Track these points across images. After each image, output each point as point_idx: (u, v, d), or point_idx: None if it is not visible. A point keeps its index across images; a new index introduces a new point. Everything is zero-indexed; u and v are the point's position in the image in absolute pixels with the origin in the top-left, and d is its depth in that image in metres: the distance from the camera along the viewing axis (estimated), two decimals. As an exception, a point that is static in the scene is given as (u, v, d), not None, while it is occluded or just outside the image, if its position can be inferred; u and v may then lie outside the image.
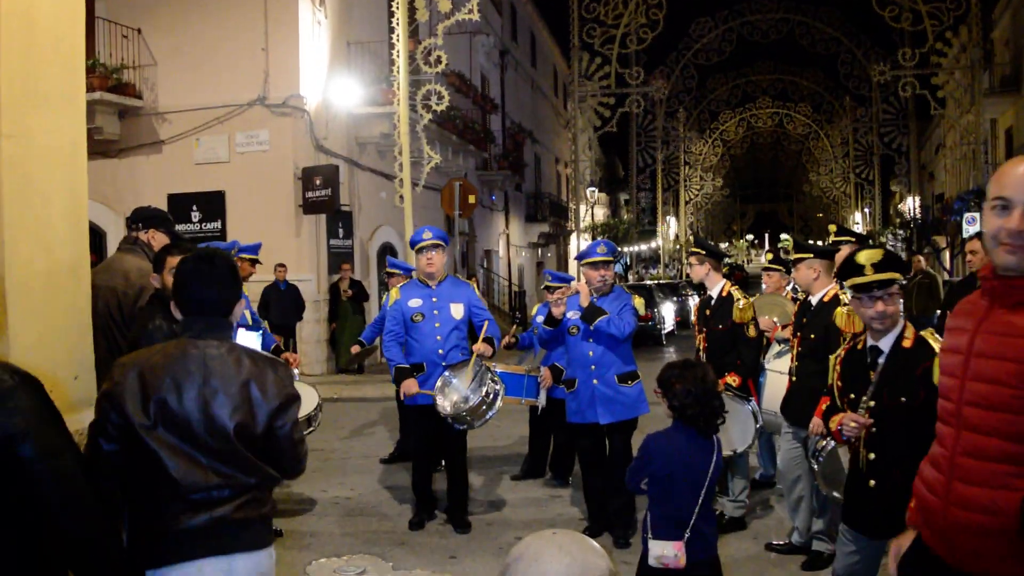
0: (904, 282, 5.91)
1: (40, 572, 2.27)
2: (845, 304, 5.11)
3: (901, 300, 3.67)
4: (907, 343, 3.53)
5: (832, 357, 3.93)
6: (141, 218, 4.68)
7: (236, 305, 2.77)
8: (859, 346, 3.71)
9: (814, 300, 5.39)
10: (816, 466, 4.67)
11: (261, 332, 4.26)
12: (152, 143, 14.68)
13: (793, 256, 5.66)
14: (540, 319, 7.67)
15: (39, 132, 3.35)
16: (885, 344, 3.57)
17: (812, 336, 5.27)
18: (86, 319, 3.57)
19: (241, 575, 2.54)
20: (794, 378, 5.41)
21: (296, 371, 6.23)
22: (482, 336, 6.03)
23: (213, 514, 2.50)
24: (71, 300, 3.48)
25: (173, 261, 3.47)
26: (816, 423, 4.91)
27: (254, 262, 7.13)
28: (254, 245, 7.25)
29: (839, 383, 3.77)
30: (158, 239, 4.56)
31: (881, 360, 3.54)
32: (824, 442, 4.60)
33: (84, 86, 3.63)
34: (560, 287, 7.16)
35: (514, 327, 7.49)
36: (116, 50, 14.24)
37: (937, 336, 3.58)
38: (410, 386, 5.99)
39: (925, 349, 3.48)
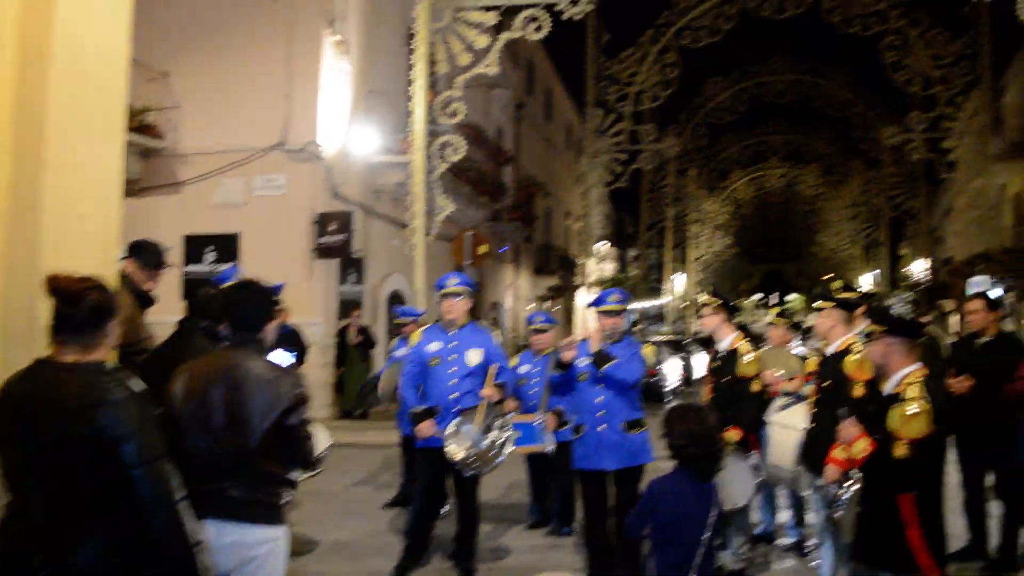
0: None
1: (125, 560, 2.70)
2: (856, 352, 5.25)
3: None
4: (896, 389, 3.93)
5: None
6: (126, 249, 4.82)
7: (267, 326, 3.46)
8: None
9: (830, 350, 5.51)
10: (835, 515, 4.73)
11: (294, 354, 4.45)
12: (171, 184, 14.94)
13: (816, 304, 5.78)
14: (523, 368, 7.70)
15: (79, 164, 3.52)
16: (887, 388, 3.94)
17: (826, 384, 5.40)
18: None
19: (229, 540, 3.12)
20: (814, 424, 5.51)
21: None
22: (490, 381, 6.13)
23: (219, 488, 3.11)
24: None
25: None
26: (830, 471, 4.97)
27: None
28: (276, 286, 7.30)
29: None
30: (130, 268, 4.69)
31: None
32: (842, 490, 4.66)
33: (124, 123, 3.81)
34: (547, 328, 7.31)
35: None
36: (142, 91, 14.55)
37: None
38: (426, 428, 6.06)
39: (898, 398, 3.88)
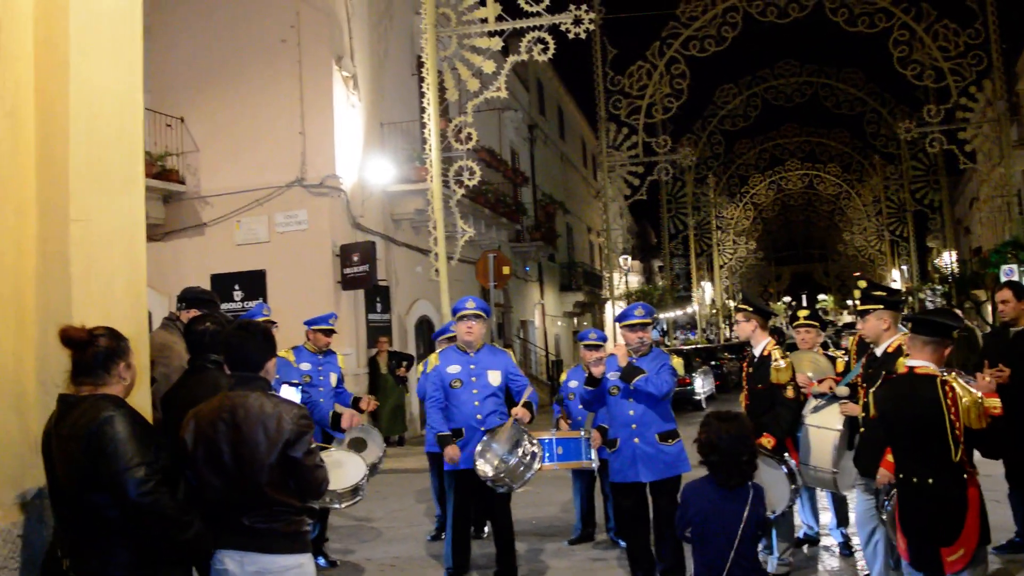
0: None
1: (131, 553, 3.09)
2: (907, 355, 5.13)
3: None
4: None
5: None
6: (184, 298, 5.06)
7: (268, 363, 3.53)
8: None
9: (879, 351, 5.40)
10: (886, 516, 4.68)
11: (300, 388, 4.55)
12: (195, 226, 15.17)
13: (860, 307, 5.64)
14: (573, 384, 7.71)
15: (103, 215, 3.60)
16: None
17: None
18: (146, 390, 3.76)
19: (252, 569, 3.30)
20: (863, 429, 5.40)
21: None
22: (522, 401, 6.16)
23: (237, 521, 3.29)
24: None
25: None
26: (883, 474, 4.88)
27: (328, 332, 7.44)
28: (325, 316, 7.54)
29: None
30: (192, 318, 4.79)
31: None
32: (894, 491, 4.59)
33: (143, 172, 3.89)
34: (600, 344, 7.23)
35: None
36: (160, 138, 14.81)
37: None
38: (453, 452, 6.10)
39: None
